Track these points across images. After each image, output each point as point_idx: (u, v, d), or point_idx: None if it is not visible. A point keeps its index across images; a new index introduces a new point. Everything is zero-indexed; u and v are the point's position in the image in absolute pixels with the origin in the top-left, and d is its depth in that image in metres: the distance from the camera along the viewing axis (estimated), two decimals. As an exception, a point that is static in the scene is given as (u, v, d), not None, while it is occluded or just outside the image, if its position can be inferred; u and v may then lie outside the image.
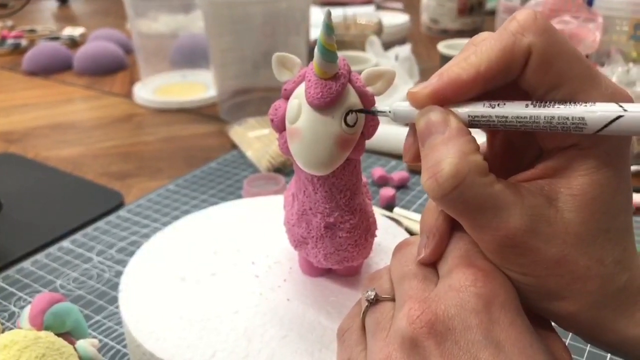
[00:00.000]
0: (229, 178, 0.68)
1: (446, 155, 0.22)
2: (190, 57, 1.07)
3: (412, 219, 0.56)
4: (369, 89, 0.30)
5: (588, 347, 0.41)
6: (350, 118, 0.29)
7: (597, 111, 0.21)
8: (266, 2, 0.81)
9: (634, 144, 0.66)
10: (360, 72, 0.30)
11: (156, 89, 1.00)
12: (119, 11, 1.08)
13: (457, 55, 0.24)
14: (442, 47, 1.06)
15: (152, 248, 0.41)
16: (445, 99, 0.24)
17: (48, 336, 0.34)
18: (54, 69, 1.17)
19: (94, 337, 0.43)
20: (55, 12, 1.87)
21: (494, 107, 0.23)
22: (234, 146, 0.77)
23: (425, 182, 0.23)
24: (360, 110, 0.29)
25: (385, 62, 0.92)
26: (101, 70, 1.14)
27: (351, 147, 0.30)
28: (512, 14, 0.23)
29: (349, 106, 0.29)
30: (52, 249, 0.55)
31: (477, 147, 0.23)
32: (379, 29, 1.11)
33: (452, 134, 0.23)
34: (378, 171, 0.65)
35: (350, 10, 1.21)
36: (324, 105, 0.28)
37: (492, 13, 1.39)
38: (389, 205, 0.60)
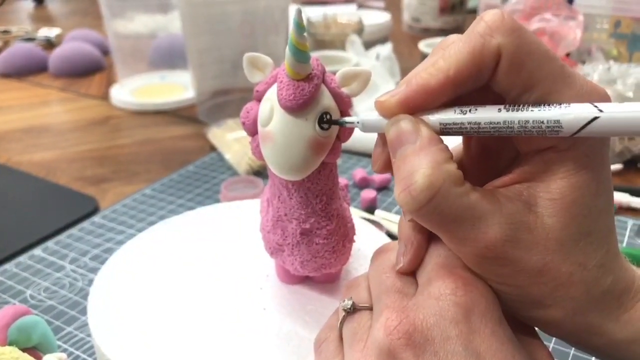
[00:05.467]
0: (207, 181, 0.67)
1: (419, 166, 0.21)
2: (169, 57, 1.05)
3: (394, 221, 0.55)
4: (344, 90, 0.29)
5: (572, 352, 0.40)
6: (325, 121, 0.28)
7: (572, 113, 0.20)
8: (244, 1, 0.80)
9: (614, 142, 0.66)
10: (335, 73, 0.29)
11: (134, 90, 0.98)
12: (96, 11, 1.05)
13: (425, 60, 0.23)
14: (424, 45, 1.05)
15: (124, 256, 0.40)
16: (415, 106, 0.23)
17: (12, 352, 0.32)
18: (28, 70, 1.14)
19: (64, 350, 0.42)
20: (32, 12, 1.83)
21: (466, 113, 0.22)
22: (212, 148, 0.75)
23: (398, 196, 0.22)
24: (328, 121, 0.28)
25: (366, 62, 0.91)
26: (77, 71, 1.12)
27: (326, 151, 0.29)
28: (479, 15, 0.22)
29: (323, 108, 0.28)
30: (22, 258, 0.53)
31: (450, 155, 0.22)
32: (359, 28, 1.10)
33: (424, 143, 0.22)
34: (359, 173, 0.64)
35: (330, 9, 1.20)
36: (297, 107, 0.27)
37: (474, 12, 1.39)
38: (370, 208, 0.59)
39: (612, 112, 0.20)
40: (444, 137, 0.23)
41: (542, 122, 0.20)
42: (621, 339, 0.23)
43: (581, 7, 0.86)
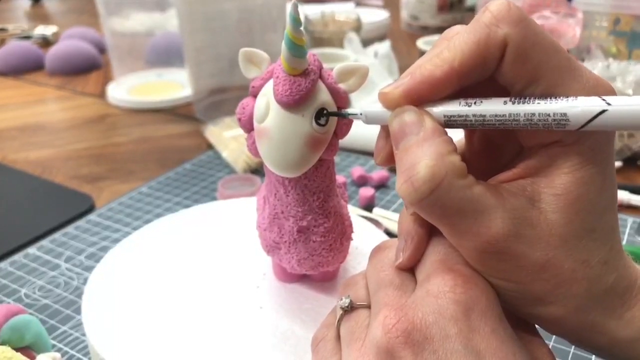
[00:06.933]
0: (204, 179, 0.66)
1: (422, 157, 0.21)
2: (166, 55, 1.04)
3: (392, 219, 0.55)
4: (342, 86, 0.28)
5: (572, 349, 0.40)
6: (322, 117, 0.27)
7: (579, 106, 0.20)
8: (242, -1, 0.80)
9: (615, 139, 0.65)
10: (332, 69, 0.29)
11: (130, 88, 0.98)
12: (93, 9, 1.05)
13: (429, 51, 0.23)
14: (422, 43, 1.05)
15: (119, 254, 0.39)
16: (419, 98, 0.22)
17: (5, 352, 0.32)
18: (25, 68, 1.14)
19: (59, 349, 0.41)
20: (28, 10, 1.82)
21: (471, 105, 0.21)
22: (209, 146, 0.75)
23: (400, 187, 0.21)
24: (330, 113, 0.27)
25: (364, 60, 0.90)
26: (74, 69, 1.11)
27: (323, 148, 0.28)
28: (485, 5, 0.22)
29: (320, 104, 0.27)
30: (17, 257, 0.53)
31: (454, 147, 0.22)
32: (357, 26, 1.09)
33: (427, 134, 0.21)
34: (357, 170, 0.64)
35: (328, 7, 1.20)
36: (293, 103, 0.27)
37: (472, 9, 1.38)
38: (368, 206, 0.59)
39: (620, 105, 0.19)
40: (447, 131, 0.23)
41: (549, 115, 0.20)
42: (623, 337, 0.23)
43: (580, 4, 0.86)
